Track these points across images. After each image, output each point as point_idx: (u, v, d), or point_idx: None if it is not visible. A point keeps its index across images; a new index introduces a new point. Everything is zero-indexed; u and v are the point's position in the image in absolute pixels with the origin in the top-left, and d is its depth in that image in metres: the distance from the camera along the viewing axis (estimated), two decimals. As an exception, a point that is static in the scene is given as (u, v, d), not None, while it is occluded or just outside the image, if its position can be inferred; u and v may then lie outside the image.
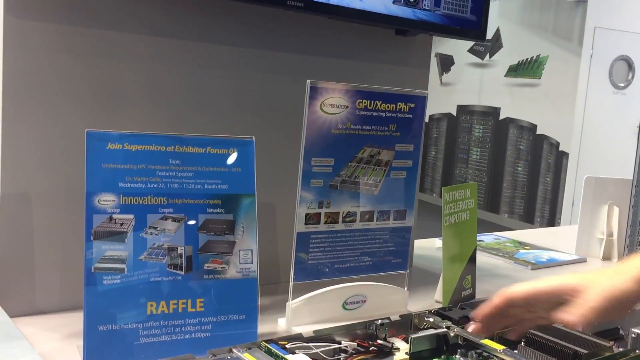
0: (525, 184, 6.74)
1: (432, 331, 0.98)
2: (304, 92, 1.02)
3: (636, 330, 0.98)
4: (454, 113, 7.70)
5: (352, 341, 0.96)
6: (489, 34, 6.71)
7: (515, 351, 0.94)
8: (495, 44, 6.98)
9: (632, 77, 6.31)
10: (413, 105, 1.14)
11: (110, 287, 0.88)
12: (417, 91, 1.16)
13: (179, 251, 0.93)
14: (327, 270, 1.11)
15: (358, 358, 0.94)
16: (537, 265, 1.66)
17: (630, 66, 6.29)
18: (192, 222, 0.94)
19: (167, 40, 1.16)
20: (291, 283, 1.06)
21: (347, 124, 1.08)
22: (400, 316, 1.04)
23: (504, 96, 6.94)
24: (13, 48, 1.01)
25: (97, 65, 1.09)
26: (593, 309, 0.76)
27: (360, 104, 1.08)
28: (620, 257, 1.53)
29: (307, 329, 0.95)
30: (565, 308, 0.79)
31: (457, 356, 0.95)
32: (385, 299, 1.16)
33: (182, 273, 0.93)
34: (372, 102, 1.10)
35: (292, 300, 1.07)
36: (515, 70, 6.78)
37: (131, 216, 0.91)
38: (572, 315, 0.77)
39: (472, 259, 1.25)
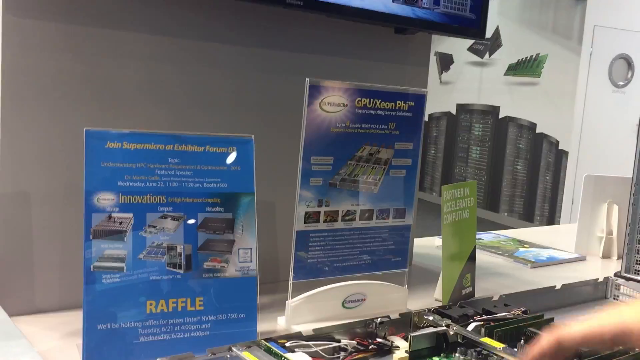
0: (524, 182, 6.74)
1: (431, 329, 0.98)
2: (303, 90, 1.02)
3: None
4: (454, 112, 7.70)
5: (352, 339, 0.97)
6: (489, 33, 6.71)
7: (515, 349, 0.95)
8: (495, 43, 6.98)
9: (632, 76, 6.31)
10: (412, 104, 1.14)
11: (109, 286, 0.88)
12: (416, 89, 1.15)
13: (178, 250, 0.93)
14: (327, 268, 1.11)
15: (358, 356, 0.94)
16: (537, 264, 1.66)
17: (629, 65, 6.29)
18: (191, 221, 0.94)
19: (167, 39, 1.16)
20: (290, 281, 1.06)
21: (346, 123, 1.08)
22: (399, 314, 1.04)
23: (504, 95, 6.94)
24: (12, 46, 1.01)
25: (97, 64, 1.09)
26: None
27: (360, 102, 1.08)
28: (620, 256, 1.53)
29: (306, 328, 0.95)
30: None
31: (457, 354, 0.95)
32: (384, 297, 1.16)
33: (182, 272, 0.93)
34: (372, 100, 1.10)
35: (291, 298, 1.07)
36: (515, 68, 6.78)
37: (130, 215, 0.91)
38: None
39: (472, 258, 1.25)
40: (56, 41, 1.05)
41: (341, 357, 0.93)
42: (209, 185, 0.96)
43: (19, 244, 1.05)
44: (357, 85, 1.08)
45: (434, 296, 1.27)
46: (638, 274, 1.41)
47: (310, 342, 0.92)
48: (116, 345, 0.88)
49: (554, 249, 1.83)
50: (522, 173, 6.77)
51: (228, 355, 0.85)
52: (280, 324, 1.08)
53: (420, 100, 1.15)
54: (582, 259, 1.76)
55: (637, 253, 1.42)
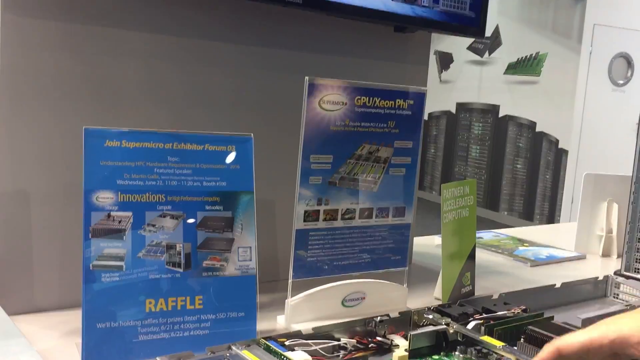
0: (524, 181, 6.74)
1: (431, 328, 0.98)
2: (302, 89, 1.02)
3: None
4: (453, 111, 7.70)
5: (352, 338, 0.97)
6: (488, 31, 6.71)
7: (515, 348, 0.95)
8: (495, 41, 6.98)
9: (631, 75, 6.31)
10: (412, 102, 1.14)
11: (108, 284, 0.88)
12: (416, 88, 1.15)
13: (178, 248, 0.93)
14: (326, 267, 1.11)
15: (357, 355, 0.94)
16: (537, 262, 1.66)
17: (629, 63, 6.29)
18: (190, 220, 0.94)
19: (166, 38, 1.16)
20: (290, 280, 1.06)
21: (345, 121, 1.08)
22: (399, 313, 1.04)
23: (503, 94, 6.94)
24: (11, 45, 1.01)
25: (96, 63, 1.09)
26: None
27: (359, 100, 1.08)
28: (620, 254, 1.53)
29: (306, 326, 0.95)
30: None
31: (457, 353, 0.95)
32: (384, 296, 1.16)
33: (181, 270, 0.93)
34: (371, 98, 1.09)
35: (291, 297, 1.06)
36: (515, 67, 6.78)
37: (129, 213, 0.91)
38: None
39: (472, 256, 1.25)
40: (56, 40, 1.05)
41: (341, 356, 0.93)
42: (208, 183, 0.96)
43: (19, 243, 1.05)
44: (356, 83, 1.08)
45: (434, 295, 1.27)
46: (638, 272, 1.41)
47: (309, 341, 0.92)
48: (115, 344, 0.88)
49: (553, 247, 1.83)
50: (521, 172, 6.77)
51: (227, 354, 0.85)
52: (280, 322, 1.08)
53: (419, 98, 1.15)
54: (582, 257, 1.76)
55: (637, 251, 1.42)
